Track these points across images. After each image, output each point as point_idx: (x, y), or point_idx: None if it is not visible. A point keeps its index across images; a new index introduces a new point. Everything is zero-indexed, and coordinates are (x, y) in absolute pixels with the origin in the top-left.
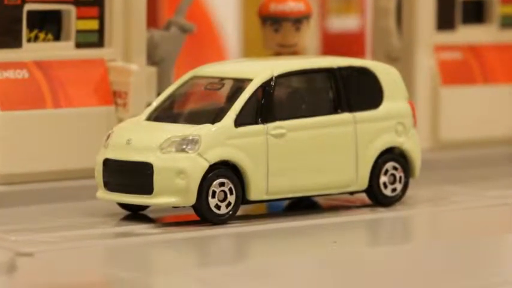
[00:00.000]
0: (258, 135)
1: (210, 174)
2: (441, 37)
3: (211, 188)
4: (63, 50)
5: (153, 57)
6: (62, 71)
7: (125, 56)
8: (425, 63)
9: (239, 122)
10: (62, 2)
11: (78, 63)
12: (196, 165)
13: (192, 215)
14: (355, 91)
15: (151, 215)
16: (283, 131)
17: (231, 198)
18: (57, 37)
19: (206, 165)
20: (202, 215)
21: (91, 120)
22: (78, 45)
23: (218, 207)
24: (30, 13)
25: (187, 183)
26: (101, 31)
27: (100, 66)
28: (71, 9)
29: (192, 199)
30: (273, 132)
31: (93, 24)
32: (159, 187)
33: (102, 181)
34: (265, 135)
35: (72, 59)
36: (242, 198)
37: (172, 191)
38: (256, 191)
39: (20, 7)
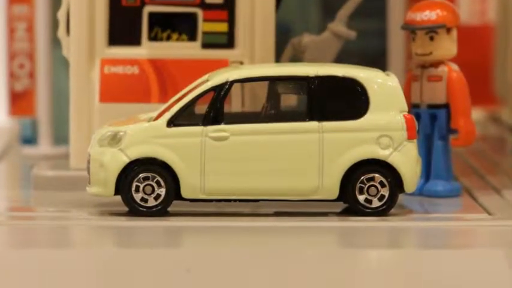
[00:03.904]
0: (193, 137)
1: (133, 169)
2: None
3: (134, 183)
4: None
5: (299, 61)
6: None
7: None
8: None
9: (175, 122)
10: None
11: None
12: (115, 160)
13: None
14: (330, 101)
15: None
16: (225, 134)
17: (160, 191)
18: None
19: (126, 161)
20: (127, 207)
21: None
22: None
23: (145, 200)
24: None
25: (106, 176)
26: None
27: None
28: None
29: (110, 191)
30: (213, 134)
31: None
32: (92, 177)
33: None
34: (202, 137)
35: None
36: (177, 194)
37: (97, 181)
38: (190, 189)
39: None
